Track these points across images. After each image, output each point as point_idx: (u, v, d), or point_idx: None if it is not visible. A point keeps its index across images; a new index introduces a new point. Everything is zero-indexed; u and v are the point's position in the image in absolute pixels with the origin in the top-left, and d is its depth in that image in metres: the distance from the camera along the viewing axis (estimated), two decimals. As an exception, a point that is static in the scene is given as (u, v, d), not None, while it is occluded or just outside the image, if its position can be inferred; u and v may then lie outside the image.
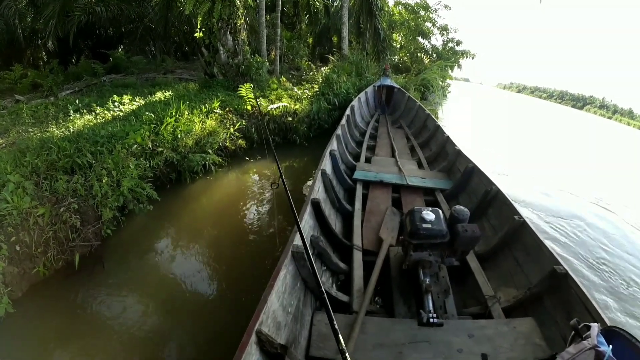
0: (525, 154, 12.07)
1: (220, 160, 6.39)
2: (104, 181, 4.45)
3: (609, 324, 1.89)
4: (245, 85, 8.41)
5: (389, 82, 10.43)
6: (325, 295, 1.59)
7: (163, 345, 3.11)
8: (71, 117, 6.68)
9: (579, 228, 5.83)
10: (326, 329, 2.33)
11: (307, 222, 3.09)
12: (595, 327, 1.62)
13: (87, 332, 3.20)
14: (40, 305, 3.47)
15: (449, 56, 19.32)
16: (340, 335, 1.40)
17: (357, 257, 3.25)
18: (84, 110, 7.15)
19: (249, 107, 8.01)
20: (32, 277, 3.64)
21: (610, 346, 1.54)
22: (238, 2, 9.57)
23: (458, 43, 20.00)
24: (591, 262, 4.90)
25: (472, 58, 20.07)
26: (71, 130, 5.77)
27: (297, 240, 2.60)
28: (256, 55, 10.70)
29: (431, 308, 2.41)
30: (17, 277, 3.51)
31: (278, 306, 2.15)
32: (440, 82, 16.83)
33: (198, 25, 9.95)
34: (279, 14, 12.76)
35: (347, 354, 1.31)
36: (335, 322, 1.46)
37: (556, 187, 7.91)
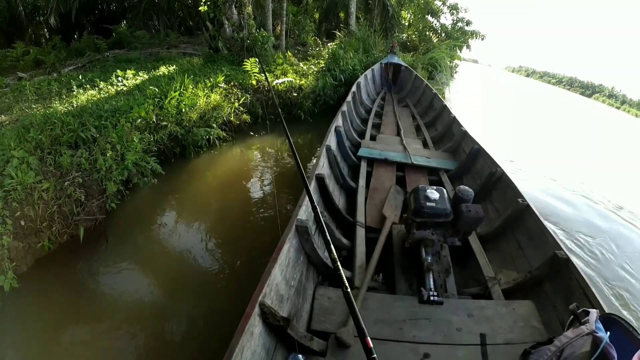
0: (534, 146, 11.59)
1: (224, 134, 6.34)
2: (108, 155, 4.41)
3: (607, 311, 1.88)
4: (250, 59, 8.29)
5: (396, 59, 10.28)
6: (341, 271, 1.60)
7: (167, 318, 3.11)
8: (74, 93, 6.61)
9: (604, 246, 5.13)
10: (328, 303, 2.36)
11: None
12: (594, 313, 1.62)
13: (91, 306, 3.21)
14: (45, 279, 3.48)
15: (458, 36, 18.99)
16: (359, 316, 1.36)
17: (360, 233, 3.25)
18: (88, 86, 7.08)
19: (254, 82, 7.91)
20: (37, 252, 3.64)
21: (608, 333, 1.53)
22: (244, -25, 9.39)
23: (468, 23, 19.58)
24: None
25: (482, 39, 19.74)
26: (75, 106, 5.72)
27: (302, 214, 2.63)
28: (262, 29, 10.53)
29: (432, 286, 2.41)
30: (22, 252, 3.51)
31: (281, 279, 2.16)
32: (448, 62, 16.55)
33: (202, -1, 9.76)
34: (286, -12, 12.51)
35: (367, 336, 1.26)
36: (355, 304, 1.43)
37: (570, 188, 7.26)
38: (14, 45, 11.49)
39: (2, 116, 5.99)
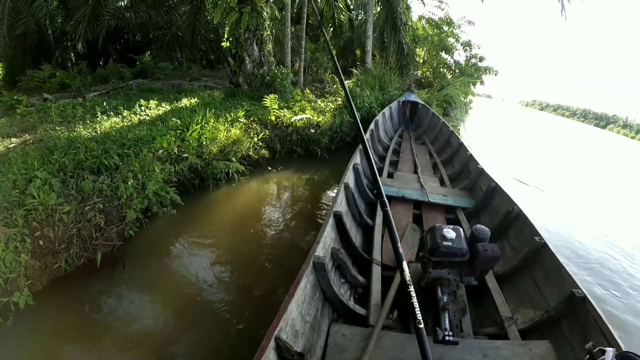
0: (553, 176, 11.32)
1: (243, 168, 6.40)
2: (129, 183, 4.49)
3: (624, 349, 1.86)
4: (270, 95, 8.47)
5: (413, 97, 10.42)
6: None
7: (178, 346, 3.10)
8: (98, 119, 6.79)
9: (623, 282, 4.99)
10: (342, 340, 2.34)
11: (328, 234, 3.11)
12: (610, 351, 1.61)
13: (104, 329, 3.21)
14: (59, 299, 3.50)
15: (472, 72, 19.20)
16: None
17: (376, 271, 3.25)
18: (111, 113, 7.28)
19: (273, 118, 8.04)
20: (54, 272, 3.69)
21: None
22: (265, 14, 9.72)
23: (481, 59, 19.82)
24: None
25: (495, 74, 19.87)
26: (98, 132, 5.86)
27: (319, 251, 2.67)
28: (281, 66, 10.79)
29: (447, 326, 2.38)
30: (38, 271, 3.56)
31: (297, 314, 2.19)
32: (463, 98, 16.74)
33: (225, 34, 10.09)
34: (304, 26, 12.88)
35: None
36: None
37: (596, 228, 6.91)
38: (41, 67, 11.90)
39: (27, 135, 6.15)
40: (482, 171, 5.09)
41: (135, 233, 4.38)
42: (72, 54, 15.52)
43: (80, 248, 3.90)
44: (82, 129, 6.01)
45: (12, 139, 5.88)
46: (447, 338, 2.23)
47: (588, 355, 1.68)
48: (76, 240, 3.88)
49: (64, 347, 3.03)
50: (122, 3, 14.45)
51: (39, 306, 3.30)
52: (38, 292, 3.46)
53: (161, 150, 5.32)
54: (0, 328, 3.08)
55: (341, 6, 16.73)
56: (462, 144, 6.70)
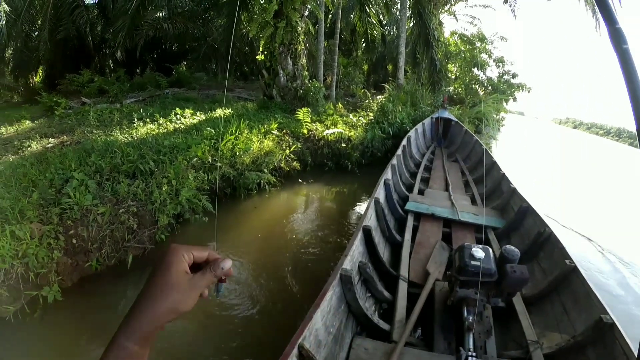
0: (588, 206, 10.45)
1: (274, 180, 6.41)
2: (163, 189, 4.55)
3: None
4: (303, 109, 8.51)
5: (446, 114, 10.28)
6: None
7: (201, 350, 3.10)
8: (135, 125, 6.93)
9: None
10: (364, 354, 2.33)
11: (357, 247, 3.11)
12: None
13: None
14: (87, 297, 3.56)
15: (504, 89, 18.89)
16: None
17: (402, 287, 3.22)
18: (148, 119, 7.41)
19: (305, 131, 8.05)
20: (84, 270, 3.76)
21: None
22: (299, 28, 9.84)
23: (514, 76, 19.40)
24: None
25: (528, 91, 19.42)
26: (135, 137, 5.96)
27: (347, 264, 2.70)
28: (314, 80, 10.84)
29: (471, 347, 2.34)
30: (69, 268, 3.63)
31: (321, 325, 2.20)
32: (495, 115, 16.47)
33: (260, 48, 10.27)
34: (337, 41, 12.96)
35: None
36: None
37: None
38: (81, 71, 12.30)
39: (64, 136, 6.30)
40: (514, 191, 4.97)
41: (166, 237, 4.42)
42: (110, 61, 16.06)
43: (112, 249, 3.97)
44: (119, 134, 6.13)
45: (50, 139, 6.05)
46: (470, 359, 2.19)
47: None
48: (108, 241, 3.95)
49: (85, 345, 3.07)
50: (160, 14, 14.89)
51: (67, 302, 3.36)
52: (67, 288, 3.53)
53: (195, 159, 5.36)
54: (25, 320, 3.15)
55: (374, 22, 16.75)
56: (494, 162, 6.55)
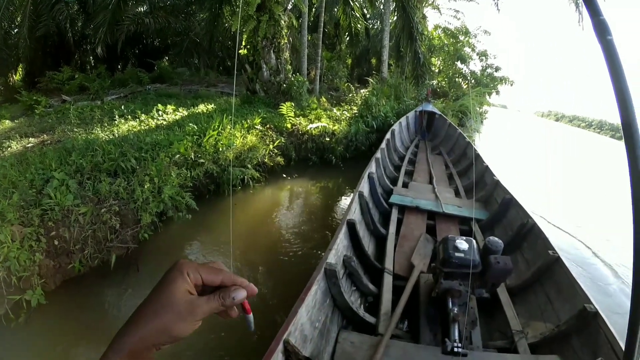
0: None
1: (258, 175, 6.39)
2: (146, 187, 4.51)
3: None
4: (286, 103, 8.50)
5: (430, 107, 10.34)
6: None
7: (186, 349, 3.09)
8: (116, 122, 6.86)
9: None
10: (350, 348, 2.34)
11: (341, 241, 3.13)
12: None
13: (114, 332, 3.18)
14: (71, 300, 3.53)
15: (487, 82, 19.07)
16: None
17: (387, 280, 3.24)
18: (129, 116, 7.33)
19: (289, 125, 8.05)
20: (67, 272, 3.71)
21: None
22: (282, 22, 9.79)
23: (497, 69, 19.65)
24: None
25: (511, 85, 19.69)
26: (116, 135, 5.89)
27: (331, 258, 2.70)
28: (297, 74, 10.82)
29: (457, 337, 2.33)
30: (52, 270, 3.59)
31: (306, 320, 2.21)
32: (478, 109, 16.61)
33: (243, 42, 10.16)
34: (321, 35, 12.93)
35: None
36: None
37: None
38: (61, 69, 12.06)
39: (44, 135, 6.21)
40: (497, 183, 5.04)
41: (149, 236, 4.38)
42: (91, 57, 15.79)
43: (94, 249, 3.92)
44: (100, 132, 6.06)
45: (30, 139, 5.96)
46: (455, 349, 2.20)
47: None
48: (91, 241, 3.90)
49: (72, 348, 3.04)
50: (142, 9, 14.63)
51: (51, 305, 3.31)
52: (51, 291, 3.48)
53: (178, 155, 5.33)
54: (10, 325, 3.10)
55: (358, 15, 16.75)
56: (478, 155, 6.62)
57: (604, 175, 15.99)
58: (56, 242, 3.66)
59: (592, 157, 24.64)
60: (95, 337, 3.12)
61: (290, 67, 10.61)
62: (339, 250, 3.00)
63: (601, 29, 0.91)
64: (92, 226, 3.94)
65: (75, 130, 6.29)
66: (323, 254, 2.76)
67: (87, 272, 3.83)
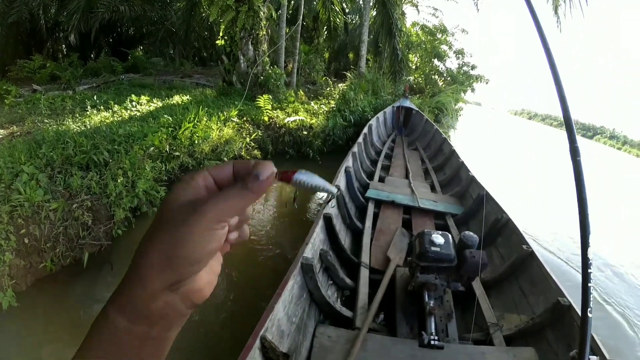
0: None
1: (235, 168, 6.29)
2: (119, 181, 4.40)
3: (608, 357, 1.94)
4: (263, 96, 8.45)
5: (408, 103, 10.45)
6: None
7: None
8: (88, 113, 6.69)
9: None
10: (328, 342, 2.34)
11: (317, 235, 3.14)
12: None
13: (87, 330, 3.15)
14: (44, 300, 3.43)
15: (463, 80, 19.39)
16: None
17: (364, 274, 3.26)
18: (102, 107, 7.17)
19: (266, 118, 8.01)
20: (39, 272, 3.60)
21: None
22: (262, 14, 9.69)
23: (473, 67, 20.03)
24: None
25: (486, 83, 20.14)
26: (88, 126, 5.75)
27: (307, 253, 2.72)
28: (275, 66, 10.76)
29: (433, 330, 2.40)
30: (22, 270, 3.47)
31: (283, 315, 2.22)
32: (454, 105, 16.85)
33: (220, 32, 10.05)
34: (299, 28, 12.87)
35: None
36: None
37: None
38: (32, 57, 11.68)
39: (14, 127, 6.02)
40: (472, 178, 5.13)
41: (123, 233, 4.29)
42: (63, 45, 15.32)
43: (66, 247, 3.81)
44: (71, 123, 5.90)
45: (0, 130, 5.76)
46: (432, 342, 2.25)
47: None
48: (62, 239, 3.78)
49: (46, 351, 2.97)
50: (118, -4, 14.25)
51: (23, 307, 3.20)
52: (22, 292, 3.37)
53: (152, 148, 5.24)
54: None
55: (337, 9, 16.71)
56: (454, 151, 6.73)
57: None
58: (26, 240, 3.53)
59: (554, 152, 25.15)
60: (68, 337, 3.05)
61: (267, 59, 10.53)
62: (315, 244, 3.02)
63: (574, 153, 1.23)
64: (63, 223, 3.83)
65: (46, 121, 6.10)
66: (300, 248, 2.76)
67: (60, 272, 3.73)
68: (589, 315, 1.20)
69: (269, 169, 0.39)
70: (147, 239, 0.37)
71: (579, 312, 2.31)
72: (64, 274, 3.73)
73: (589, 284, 1.21)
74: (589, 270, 1.19)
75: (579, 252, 1.23)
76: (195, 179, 0.39)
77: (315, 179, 0.43)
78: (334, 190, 0.45)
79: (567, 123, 1.39)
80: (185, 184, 0.38)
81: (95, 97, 7.92)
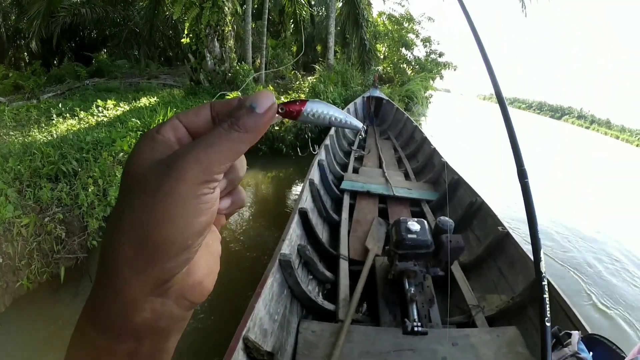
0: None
1: (206, 168, 6.29)
2: (90, 190, 4.33)
3: (590, 331, 1.94)
4: (232, 93, 8.42)
5: (377, 93, 10.46)
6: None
7: None
8: (54, 122, 6.57)
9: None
10: (312, 337, 2.34)
11: (294, 231, 3.12)
12: (576, 334, 1.66)
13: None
14: (24, 320, 3.37)
15: (432, 67, 19.61)
16: None
17: (344, 266, 3.26)
18: (67, 115, 7.05)
19: (236, 116, 7.98)
20: (16, 291, 3.51)
21: (591, 353, 1.59)
22: (226, 9, 9.62)
23: (440, 55, 20.33)
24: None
25: (454, 69, 20.48)
26: (55, 136, 5.66)
27: (285, 249, 2.69)
28: (242, 62, 10.71)
29: (416, 317, 2.41)
30: None
31: (265, 314, 2.19)
32: (423, 93, 17.03)
33: (185, 30, 9.93)
34: (265, 22, 12.81)
35: None
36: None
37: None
38: (-7, 67, 11.32)
39: (-22, 141, 5.88)
40: (445, 164, 5.15)
41: (98, 243, 4.21)
42: (25, 53, 14.92)
43: (42, 263, 3.72)
44: (37, 133, 5.79)
45: (-37, 146, 5.63)
46: (415, 329, 2.27)
47: (555, 339, 1.72)
48: (37, 255, 3.70)
49: None
50: (78, -2, 13.92)
51: (2, 329, 3.17)
52: (1, 314, 3.31)
53: (122, 154, 5.19)
54: None
55: (303, 2, 16.64)
56: (425, 138, 6.80)
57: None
58: (0, 260, 3.45)
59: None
60: (52, 353, 3.03)
61: (235, 55, 10.48)
62: (292, 239, 3.00)
63: (522, 175, 1.33)
64: (36, 238, 3.73)
65: (12, 133, 5.96)
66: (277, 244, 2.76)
67: (37, 289, 3.65)
68: (547, 324, 1.27)
69: (269, 98, 0.29)
70: (112, 225, 0.27)
71: (557, 288, 2.37)
72: (42, 292, 3.66)
73: (543, 280, 1.33)
74: (543, 283, 1.32)
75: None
76: (162, 132, 0.28)
77: (332, 110, 0.33)
78: (359, 124, 0.35)
79: (514, 148, 1.45)
80: (150, 140, 0.28)
81: (60, 105, 7.77)
